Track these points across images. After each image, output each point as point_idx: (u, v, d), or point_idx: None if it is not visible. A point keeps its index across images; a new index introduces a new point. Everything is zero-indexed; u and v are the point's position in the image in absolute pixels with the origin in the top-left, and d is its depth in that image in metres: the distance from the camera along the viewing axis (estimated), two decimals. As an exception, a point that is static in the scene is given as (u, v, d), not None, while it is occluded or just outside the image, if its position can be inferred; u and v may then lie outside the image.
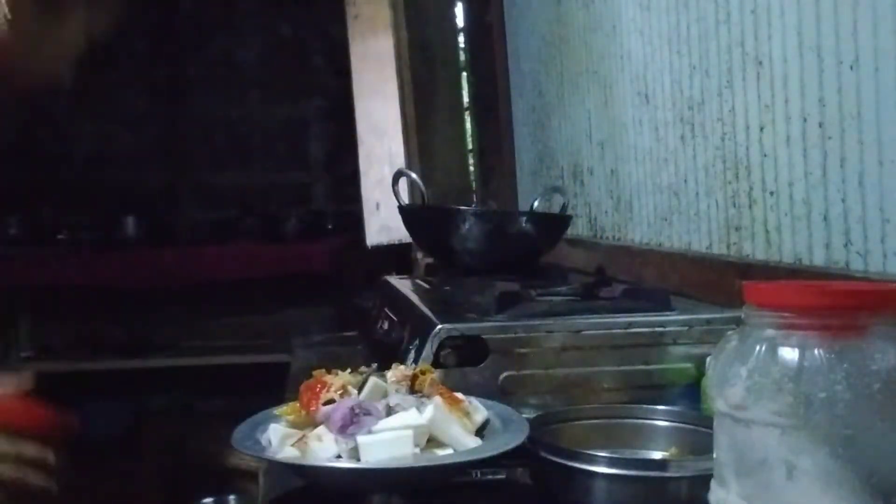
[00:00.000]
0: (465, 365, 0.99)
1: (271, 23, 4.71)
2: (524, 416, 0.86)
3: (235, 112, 4.65)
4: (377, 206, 3.51)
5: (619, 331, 1.03)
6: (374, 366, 0.87)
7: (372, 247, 3.48)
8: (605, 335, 1.03)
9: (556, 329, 1.02)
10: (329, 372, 0.85)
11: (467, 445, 0.78)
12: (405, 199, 1.60)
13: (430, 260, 1.72)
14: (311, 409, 0.80)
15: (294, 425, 0.81)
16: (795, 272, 1.07)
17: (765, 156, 1.17)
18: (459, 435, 0.78)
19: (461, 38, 2.95)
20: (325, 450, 0.75)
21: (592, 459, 0.78)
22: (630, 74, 1.63)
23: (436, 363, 0.98)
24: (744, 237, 1.24)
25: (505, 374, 1.00)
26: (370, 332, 1.40)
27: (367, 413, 0.77)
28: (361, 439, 0.74)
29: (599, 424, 0.93)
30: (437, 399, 0.80)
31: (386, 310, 1.34)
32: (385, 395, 0.82)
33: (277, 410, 0.85)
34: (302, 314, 4.17)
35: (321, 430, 0.77)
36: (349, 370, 0.86)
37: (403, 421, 0.76)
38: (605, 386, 1.02)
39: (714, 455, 0.63)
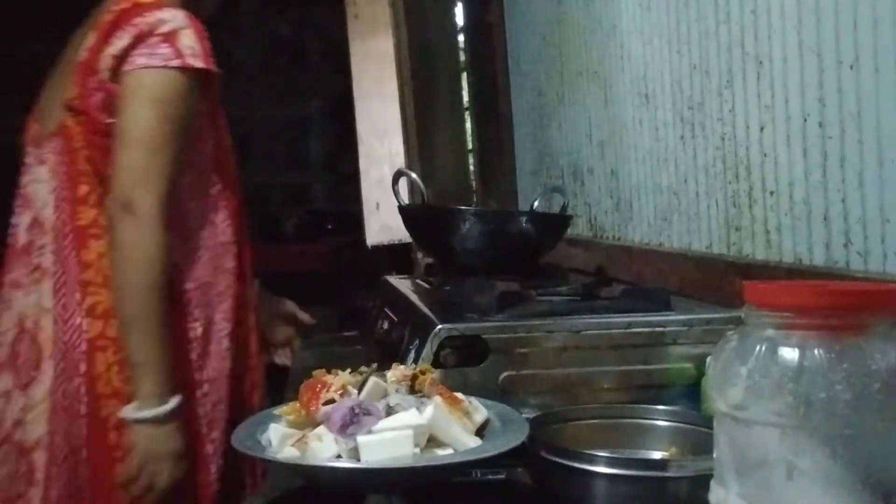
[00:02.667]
0: (465, 365, 0.99)
1: (271, 23, 4.71)
2: (524, 415, 0.86)
3: (235, 112, 4.65)
4: (377, 206, 3.51)
5: (619, 331, 1.03)
6: (374, 366, 0.87)
7: (372, 247, 3.48)
8: (605, 335, 1.03)
9: (556, 329, 1.02)
10: (329, 372, 0.85)
11: (467, 445, 0.78)
12: (405, 199, 1.60)
13: (430, 260, 1.72)
14: (311, 408, 0.80)
15: (294, 425, 0.81)
16: (795, 272, 1.07)
17: (765, 156, 1.17)
18: (459, 435, 0.78)
19: (461, 38, 2.95)
20: (325, 450, 0.75)
21: (592, 459, 0.78)
22: (630, 74, 1.63)
23: (436, 363, 0.98)
24: (744, 237, 1.24)
25: (505, 374, 1.00)
26: (370, 332, 1.40)
27: (367, 413, 0.77)
28: (361, 439, 0.74)
29: (599, 424, 0.93)
30: (438, 399, 0.80)
31: (386, 310, 1.34)
32: (385, 395, 0.82)
33: (277, 410, 0.85)
34: (302, 314, 4.16)
35: (321, 429, 0.77)
36: (349, 370, 0.86)
37: (403, 421, 0.76)
38: (605, 386, 1.02)
39: (714, 455, 0.63)
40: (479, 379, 0.99)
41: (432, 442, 0.77)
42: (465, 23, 2.92)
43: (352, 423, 0.75)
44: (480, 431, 0.82)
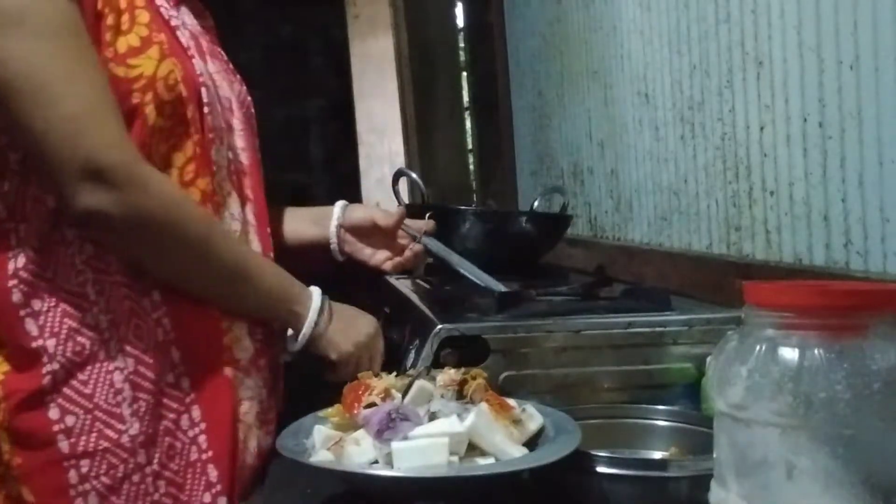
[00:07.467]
0: (465, 365, 0.99)
1: (271, 23, 4.71)
2: None
3: (235, 112, 4.65)
4: (377, 206, 3.51)
5: (619, 331, 1.03)
6: (423, 369, 0.85)
7: (372, 247, 3.47)
8: (605, 335, 1.03)
9: (556, 329, 1.02)
10: (376, 375, 0.84)
11: (510, 455, 0.75)
12: (405, 199, 1.60)
13: (430, 260, 1.72)
14: (353, 411, 0.78)
15: (339, 428, 0.79)
16: (795, 272, 1.07)
17: (765, 156, 1.17)
18: (503, 444, 0.75)
19: (461, 38, 2.95)
20: (361, 454, 0.73)
21: (592, 459, 0.78)
22: (630, 74, 1.63)
23: (436, 363, 0.98)
24: (744, 237, 1.24)
25: (505, 374, 1.00)
26: (370, 332, 1.40)
27: (405, 418, 0.74)
28: (395, 445, 0.72)
29: (599, 424, 0.93)
30: (483, 406, 0.77)
31: (386, 310, 1.34)
32: (430, 399, 0.79)
33: (322, 413, 0.83)
34: (302, 314, 4.16)
35: (361, 433, 0.75)
36: (395, 373, 0.84)
37: (441, 428, 0.74)
38: (605, 386, 1.02)
39: (714, 455, 0.62)
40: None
41: (476, 450, 0.75)
42: (465, 23, 2.92)
43: (388, 427, 0.73)
44: (536, 439, 0.80)
